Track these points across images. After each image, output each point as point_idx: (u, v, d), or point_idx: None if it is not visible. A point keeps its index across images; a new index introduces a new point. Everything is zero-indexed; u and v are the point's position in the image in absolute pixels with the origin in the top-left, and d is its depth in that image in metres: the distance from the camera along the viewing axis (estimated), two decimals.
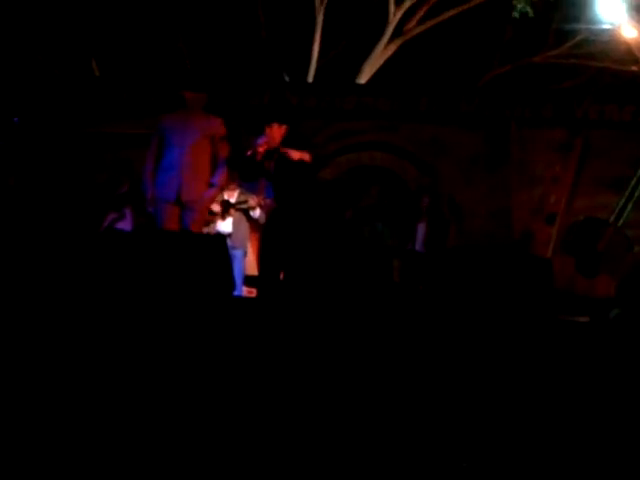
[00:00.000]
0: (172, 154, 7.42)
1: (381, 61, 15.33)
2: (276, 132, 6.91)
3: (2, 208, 8.54)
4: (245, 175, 7.52)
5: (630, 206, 9.91)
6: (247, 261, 9.45)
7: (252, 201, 9.19)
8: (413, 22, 15.27)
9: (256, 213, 9.24)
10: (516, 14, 13.91)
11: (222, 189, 8.63)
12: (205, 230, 8.96)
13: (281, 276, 7.00)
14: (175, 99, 7.69)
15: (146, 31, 14.85)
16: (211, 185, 7.58)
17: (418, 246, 9.51)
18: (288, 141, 6.87)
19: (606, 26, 13.20)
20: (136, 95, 10.93)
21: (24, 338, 4.63)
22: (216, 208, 9.10)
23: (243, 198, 9.28)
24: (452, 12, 14.99)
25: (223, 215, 9.24)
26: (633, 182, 10.03)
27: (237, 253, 8.99)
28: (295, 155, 6.75)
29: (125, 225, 9.23)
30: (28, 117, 10.44)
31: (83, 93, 11.12)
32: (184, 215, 7.48)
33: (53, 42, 14.47)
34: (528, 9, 13.79)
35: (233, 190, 9.26)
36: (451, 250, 9.08)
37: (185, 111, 7.55)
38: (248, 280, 9.20)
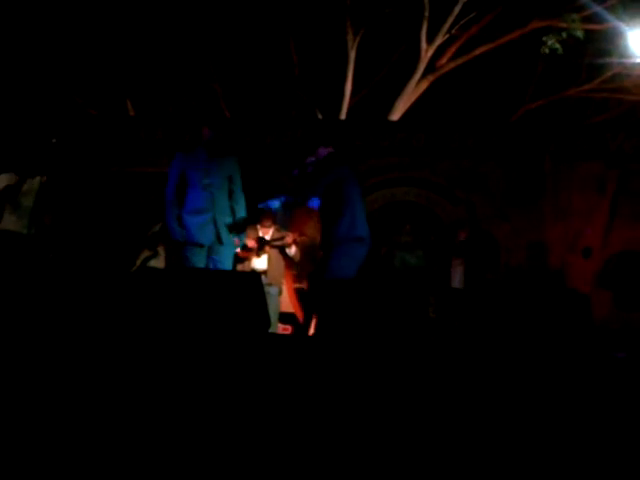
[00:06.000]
0: (199, 195, 7.26)
1: (414, 97, 15.37)
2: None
3: (39, 247, 8.61)
4: (296, 192, 7.60)
5: None
6: (282, 298, 9.44)
7: (288, 238, 9.17)
8: (445, 58, 15.32)
9: (291, 250, 9.23)
10: (546, 50, 13.90)
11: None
12: (240, 267, 8.97)
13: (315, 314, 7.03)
14: (191, 134, 7.60)
15: (180, 71, 15.02)
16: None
17: (454, 281, 9.47)
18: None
19: (639, 60, 13.17)
20: (170, 134, 11.01)
21: (59, 373, 4.64)
22: (252, 244, 9.09)
23: (278, 235, 9.26)
24: (484, 48, 15.05)
25: (258, 252, 9.22)
26: None
27: (272, 290, 8.99)
28: None
29: (158, 263, 9.26)
30: (64, 157, 10.55)
31: (118, 133, 11.24)
32: (214, 254, 7.34)
33: (89, 83, 14.70)
34: (557, 46, 13.77)
35: (268, 227, 9.26)
36: (487, 286, 9.03)
37: (203, 149, 7.35)
38: (283, 317, 9.20)
